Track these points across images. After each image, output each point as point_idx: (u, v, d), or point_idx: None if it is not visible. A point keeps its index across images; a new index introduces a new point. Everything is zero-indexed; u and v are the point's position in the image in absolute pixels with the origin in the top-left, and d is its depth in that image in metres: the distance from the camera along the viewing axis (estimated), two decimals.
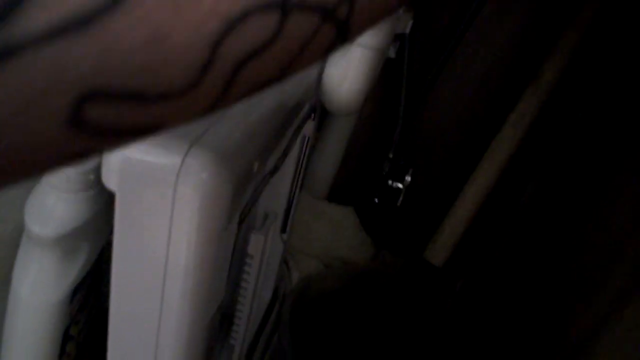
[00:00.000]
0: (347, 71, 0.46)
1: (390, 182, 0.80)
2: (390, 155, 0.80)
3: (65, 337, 0.45)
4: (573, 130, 0.81)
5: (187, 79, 0.10)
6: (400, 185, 0.80)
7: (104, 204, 0.41)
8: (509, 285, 0.85)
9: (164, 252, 0.30)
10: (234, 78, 0.11)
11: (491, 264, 0.88)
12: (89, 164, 0.38)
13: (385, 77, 0.74)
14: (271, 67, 0.12)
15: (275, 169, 0.43)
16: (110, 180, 0.29)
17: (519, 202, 0.85)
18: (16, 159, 0.09)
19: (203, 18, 0.10)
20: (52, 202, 0.37)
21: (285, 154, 0.45)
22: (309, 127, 0.54)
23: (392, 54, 0.67)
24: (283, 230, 0.63)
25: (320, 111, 0.54)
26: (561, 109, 0.80)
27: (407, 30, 0.59)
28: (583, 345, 0.66)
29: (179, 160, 0.28)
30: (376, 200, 0.81)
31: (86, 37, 0.08)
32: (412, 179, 0.79)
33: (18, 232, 0.42)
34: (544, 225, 0.82)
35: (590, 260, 0.70)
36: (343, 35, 0.13)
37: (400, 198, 0.80)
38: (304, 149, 0.56)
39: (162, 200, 0.29)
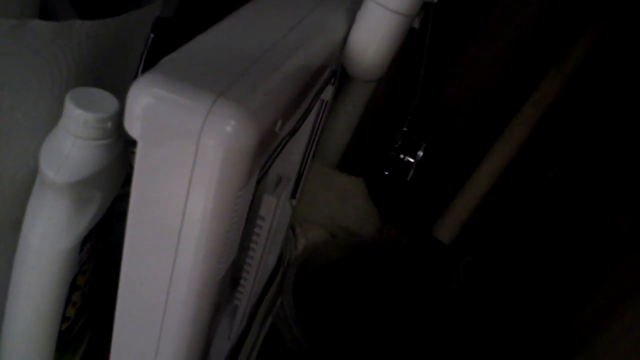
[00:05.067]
0: (375, 35, 0.45)
1: (401, 155, 0.79)
2: (404, 129, 0.79)
3: (73, 286, 0.44)
4: (593, 115, 0.80)
5: None
6: (411, 160, 0.79)
7: (118, 154, 0.41)
8: (515, 267, 0.84)
9: (182, 203, 0.30)
10: None
11: (500, 246, 0.87)
12: (106, 112, 0.37)
13: (406, 48, 0.73)
14: None
15: (295, 130, 0.42)
16: (133, 128, 0.29)
17: (537, 185, 0.84)
18: None
19: None
20: (69, 148, 0.37)
21: (305, 116, 0.44)
22: (328, 92, 0.53)
23: (415, 24, 0.65)
24: (293, 195, 0.63)
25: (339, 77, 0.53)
26: (584, 93, 0.79)
27: (435, 0, 0.57)
28: (583, 338, 0.66)
29: (205, 111, 0.28)
30: (386, 172, 0.80)
31: None
32: (424, 154, 0.78)
33: (31, 177, 0.42)
34: (559, 210, 0.81)
35: (599, 251, 0.70)
36: None
37: (411, 172, 0.79)
38: (321, 113, 0.55)
39: (184, 151, 0.28)
